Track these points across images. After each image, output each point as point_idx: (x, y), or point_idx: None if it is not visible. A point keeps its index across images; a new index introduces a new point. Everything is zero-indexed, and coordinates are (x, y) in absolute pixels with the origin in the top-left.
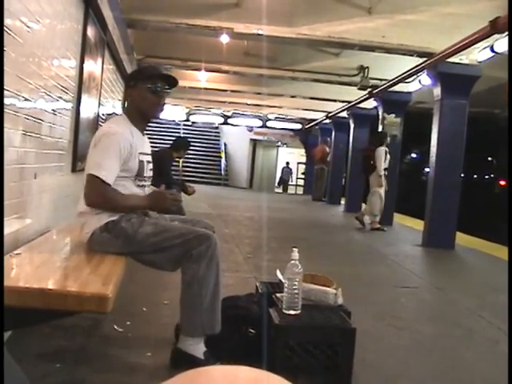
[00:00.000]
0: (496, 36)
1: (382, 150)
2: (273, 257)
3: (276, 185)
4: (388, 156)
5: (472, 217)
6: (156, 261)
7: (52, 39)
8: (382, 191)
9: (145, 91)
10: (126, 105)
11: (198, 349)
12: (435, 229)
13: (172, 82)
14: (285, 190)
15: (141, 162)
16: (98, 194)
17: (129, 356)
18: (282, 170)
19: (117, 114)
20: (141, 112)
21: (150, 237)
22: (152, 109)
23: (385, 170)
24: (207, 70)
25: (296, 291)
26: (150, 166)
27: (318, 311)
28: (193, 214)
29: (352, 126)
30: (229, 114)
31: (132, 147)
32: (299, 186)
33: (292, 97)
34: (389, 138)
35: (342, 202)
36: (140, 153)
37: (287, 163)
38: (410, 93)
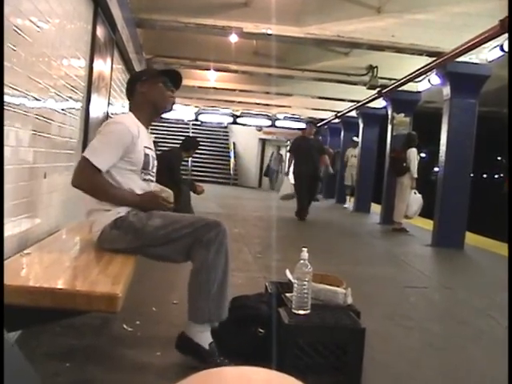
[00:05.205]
0: (506, 35)
1: (414, 152)
2: (282, 256)
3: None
4: (418, 157)
5: (481, 216)
6: (166, 253)
7: (62, 39)
8: (414, 193)
9: (159, 85)
10: (131, 102)
11: (204, 337)
12: (445, 228)
13: (177, 83)
14: (273, 184)
15: (146, 155)
16: (86, 177)
17: (138, 355)
18: (271, 155)
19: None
20: (152, 104)
21: (159, 229)
22: (165, 100)
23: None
24: (216, 70)
25: (305, 291)
26: (155, 162)
27: (327, 311)
28: (202, 214)
29: (361, 125)
30: (238, 113)
31: (134, 139)
32: None
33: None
34: (417, 140)
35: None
36: (145, 146)
37: (278, 147)
38: (419, 92)
